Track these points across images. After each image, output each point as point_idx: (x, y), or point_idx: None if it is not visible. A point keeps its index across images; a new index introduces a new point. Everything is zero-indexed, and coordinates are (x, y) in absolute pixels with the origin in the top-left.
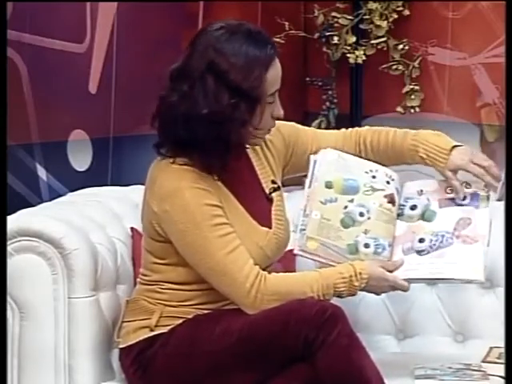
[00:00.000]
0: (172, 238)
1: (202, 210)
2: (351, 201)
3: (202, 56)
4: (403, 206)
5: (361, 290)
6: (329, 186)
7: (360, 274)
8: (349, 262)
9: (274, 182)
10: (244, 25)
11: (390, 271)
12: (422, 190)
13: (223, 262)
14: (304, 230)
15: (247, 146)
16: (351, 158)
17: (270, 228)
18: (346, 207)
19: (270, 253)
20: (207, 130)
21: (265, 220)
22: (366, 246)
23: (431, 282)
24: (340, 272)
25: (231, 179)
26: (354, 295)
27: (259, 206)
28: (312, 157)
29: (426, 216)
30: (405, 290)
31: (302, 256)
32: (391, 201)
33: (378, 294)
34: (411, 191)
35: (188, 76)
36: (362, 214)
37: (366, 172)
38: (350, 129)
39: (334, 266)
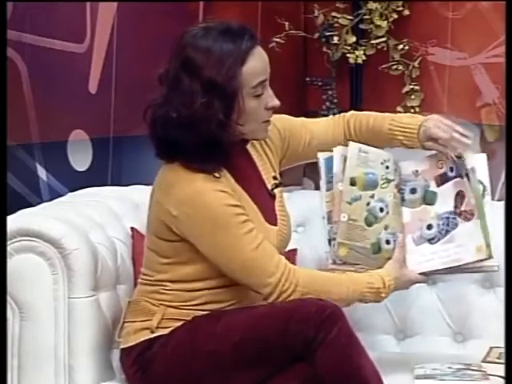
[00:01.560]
0: (193, 240)
1: (225, 210)
2: (372, 196)
3: (179, 55)
4: (403, 189)
5: None
6: (353, 182)
7: (389, 286)
8: (376, 270)
9: (275, 177)
10: (225, 23)
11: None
12: (417, 171)
13: (252, 256)
14: (335, 238)
15: (252, 141)
16: (370, 149)
17: (276, 225)
18: (368, 204)
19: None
20: (183, 134)
21: (271, 218)
22: (387, 242)
23: (449, 271)
24: (369, 282)
25: (238, 176)
26: (379, 302)
27: (264, 203)
28: (321, 155)
29: (427, 199)
30: (425, 282)
31: (335, 270)
32: (399, 190)
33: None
34: (407, 173)
35: (167, 78)
36: (381, 210)
37: (382, 163)
38: (337, 115)
39: (361, 271)
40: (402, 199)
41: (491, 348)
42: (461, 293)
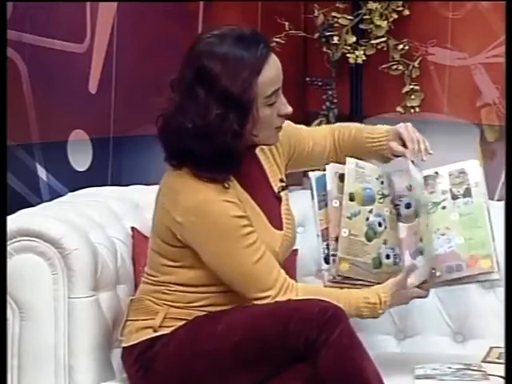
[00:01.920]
0: (196, 247)
1: (230, 221)
2: (370, 211)
3: (193, 63)
4: (398, 205)
5: None
6: (352, 198)
7: (385, 302)
8: (375, 286)
9: (281, 180)
10: (236, 29)
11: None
12: (410, 186)
13: (252, 268)
14: (334, 255)
15: (263, 146)
16: (366, 164)
17: (282, 229)
18: (367, 219)
19: (281, 255)
20: (197, 144)
21: (276, 222)
22: (387, 257)
23: (447, 283)
24: (366, 297)
25: (246, 182)
26: (375, 318)
27: (271, 208)
28: (313, 175)
29: (419, 212)
30: (424, 297)
31: (332, 287)
32: (394, 205)
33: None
34: (401, 187)
35: (180, 85)
36: (380, 224)
37: (377, 178)
38: (328, 125)
39: (361, 287)
40: (398, 214)
41: (491, 348)
42: (461, 293)
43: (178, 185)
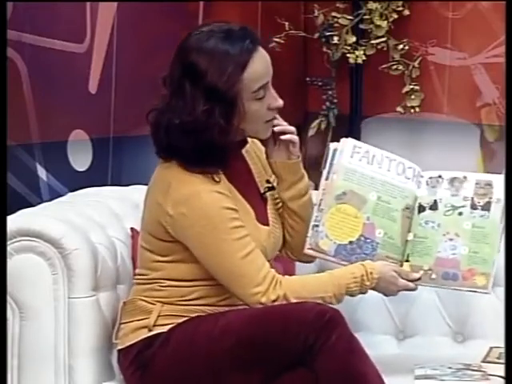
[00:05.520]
0: (186, 241)
1: (220, 213)
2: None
3: (182, 59)
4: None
5: (370, 289)
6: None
7: (371, 273)
8: (359, 262)
9: (268, 181)
10: (225, 25)
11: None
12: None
13: (241, 263)
14: (317, 226)
15: (247, 148)
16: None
17: (267, 225)
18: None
19: (269, 251)
20: (185, 140)
21: (262, 218)
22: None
23: (439, 285)
24: (351, 272)
25: (233, 178)
26: (364, 293)
27: (256, 204)
28: (332, 145)
29: None
30: (413, 290)
31: (311, 255)
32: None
33: (386, 295)
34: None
35: (170, 82)
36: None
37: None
38: None
39: (343, 265)
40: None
41: (491, 348)
42: (461, 293)
43: (168, 177)
